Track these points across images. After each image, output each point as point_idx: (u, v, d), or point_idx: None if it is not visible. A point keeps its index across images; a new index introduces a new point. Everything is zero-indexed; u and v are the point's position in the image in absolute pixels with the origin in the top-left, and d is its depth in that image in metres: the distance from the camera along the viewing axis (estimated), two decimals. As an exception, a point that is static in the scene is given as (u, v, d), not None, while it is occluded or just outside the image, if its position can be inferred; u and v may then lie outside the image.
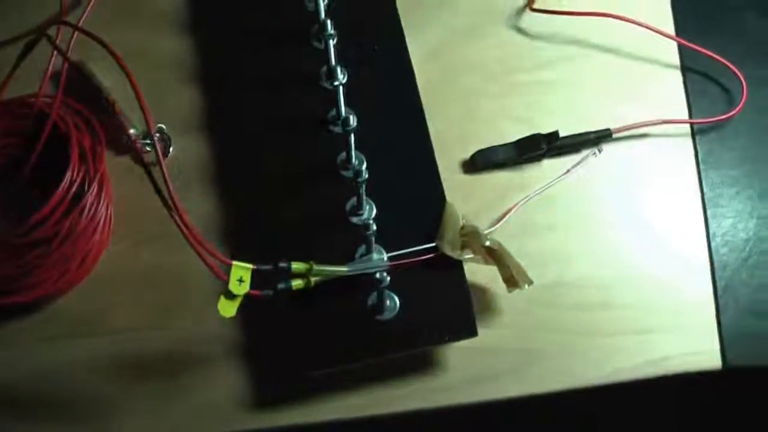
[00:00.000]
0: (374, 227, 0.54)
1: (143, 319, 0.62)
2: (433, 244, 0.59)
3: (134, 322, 0.62)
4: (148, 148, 0.65)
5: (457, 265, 0.60)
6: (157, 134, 0.65)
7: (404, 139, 0.63)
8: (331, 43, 0.59)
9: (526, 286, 0.59)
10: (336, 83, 0.57)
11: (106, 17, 0.69)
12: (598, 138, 0.65)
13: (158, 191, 0.52)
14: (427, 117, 0.64)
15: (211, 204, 0.65)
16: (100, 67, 0.67)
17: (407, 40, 0.66)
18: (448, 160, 0.65)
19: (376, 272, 0.57)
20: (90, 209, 0.61)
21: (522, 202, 0.64)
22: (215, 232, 0.64)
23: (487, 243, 0.59)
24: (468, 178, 0.65)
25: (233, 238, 0.64)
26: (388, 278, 0.54)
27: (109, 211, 0.63)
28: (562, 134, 0.65)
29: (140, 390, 0.60)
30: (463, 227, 0.60)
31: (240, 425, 0.60)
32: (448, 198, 0.61)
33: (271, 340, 0.61)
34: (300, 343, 0.58)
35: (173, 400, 0.61)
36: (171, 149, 0.66)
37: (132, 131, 0.64)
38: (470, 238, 0.60)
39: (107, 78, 0.67)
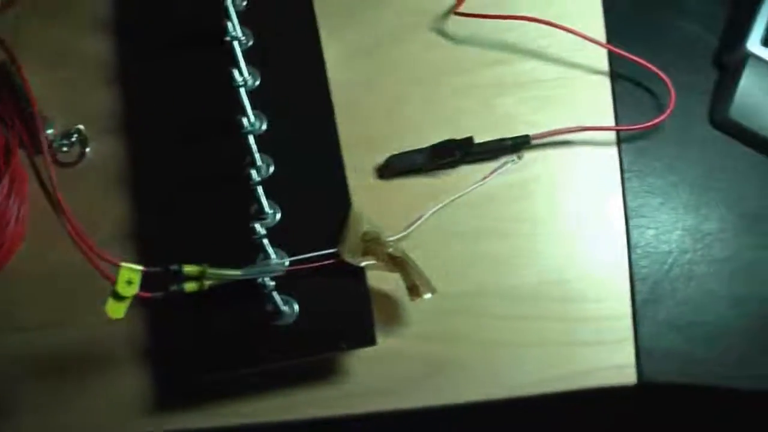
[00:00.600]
0: (263, 231, 0.54)
1: (50, 317, 0.63)
2: (335, 250, 0.58)
3: (42, 320, 0.63)
4: (65, 149, 0.65)
5: (359, 272, 0.59)
6: (75, 135, 0.66)
7: (312, 142, 0.63)
8: (236, 44, 0.59)
9: (428, 296, 0.58)
10: (236, 85, 0.57)
11: (33, 17, 0.71)
12: (516, 144, 0.64)
13: (46, 190, 0.52)
14: (345, 119, 0.64)
15: (125, 206, 0.66)
16: (27, 68, 0.68)
17: (328, 40, 0.65)
18: (363, 163, 0.65)
19: (271, 276, 0.57)
20: (-1, 207, 0.62)
21: (434, 209, 0.63)
22: (127, 235, 0.65)
23: (390, 250, 0.58)
24: (382, 183, 0.65)
25: (141, 241, 0.64)
26: (273, 283, 0.54)
27: (22, 210, 0.63)
28: (481, 140, 0.64)
29: (42, 387, 0.62)
30: (365, 233, 0.59)
31: (137, 427, 0.60)
32: (360, 203, 0.61)
33: (170, 343, 0.61)
34: (195, 347, 0.59)
35: (75, 398, 0.62)
36: (88, 150, 0.66)
37: (49, 132, 0.65)
38: (373, 244, 0.59)
39: (33, 78, 0.67)
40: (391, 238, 0.61)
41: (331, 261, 0.59)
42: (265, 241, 0.56)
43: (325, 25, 0.66)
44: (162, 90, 0.65)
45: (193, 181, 0.62)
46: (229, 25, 0.58)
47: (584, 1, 0.69)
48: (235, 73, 0.57)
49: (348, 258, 0.59)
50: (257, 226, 0.54)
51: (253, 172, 0.58)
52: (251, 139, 0.58)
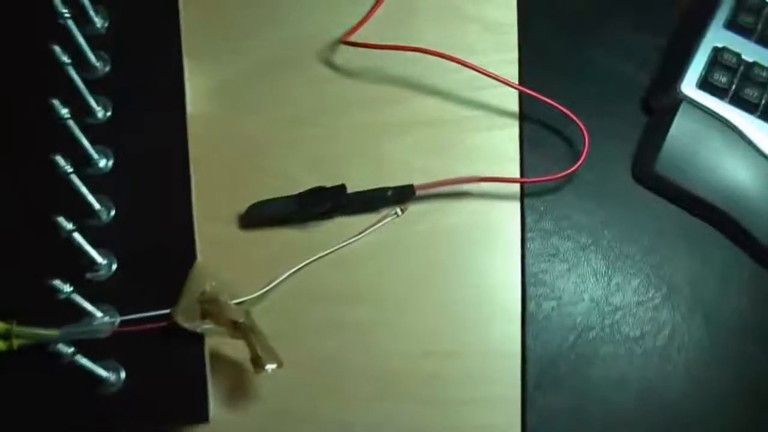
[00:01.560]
0: (66, 289, 0.47)
1: None
2: (168, 311, 0.51)
3: None
4: None
5: (197, 337, 0.52)
6: None
7: (158, 184, 0.56)
8: (71, 70, 0.52)
9: (271, 368, 0.50)
10: (62, 118, 0.50)
11: None
12: (399, 196, 0.57)
13: None
14: (205, 160, 0.58)
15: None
16: None
17: (194, 71, 0.60)
18: (222, 211, 0.58)
19: (92, 338, 0.50)
20: None
21: (295, 267, 0.56)
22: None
23: (231, 314, 0.51)
24: (244, 234, 0.58)
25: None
26: (72, 350, 0.47)
27: None
28: (358, 188, 0.57)
29: None
30: (204, 293, 0.52)
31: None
32: (214, 256, 0.55)
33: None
34: (12, 411, 0.52)
35: None
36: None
37: None
38: (212, 306, 0.52)
39: None
40: (240, 300, 0.54)
41: (164, 323, 0.52)
42: (77, 297, 0.49)
43: (193, 54, 0.60)
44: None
45: (21, 227, 0.56)
46: (57, 49, 0.51)
47: (498, 33, 0.62)
48: (56, 103, 0.51)
49: (182, 321, 0.52)
50: (60, 285, 0.47)
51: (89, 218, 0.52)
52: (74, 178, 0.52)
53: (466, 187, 0.58)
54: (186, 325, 0.52)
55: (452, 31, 0.63)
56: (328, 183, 0.57)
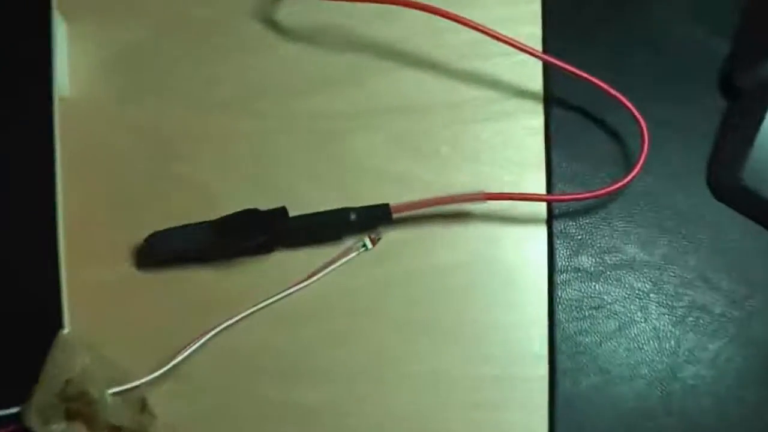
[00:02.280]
0: None
1: None
2: (17, 410, 0.34)
3: None
4: None
5: (59, 446, 0.35)
6: None
7: (20, 221, 0.38)
8: None
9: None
10: None
11: None
12: (369, 220, 0.39)
13: None
14: (78, 169, 0.40)
15: None
16: None
17: (77, 36, 0.41)
18: (105, 248, 0.40)
19: None
20: None
21: (219, 328, 0.38)
22: None
23: (109, 416, 0.34)
24: (137, 280, 0.39)
25: None
26: None
27: None
28: (307, 210, 0.39)
29: None
30: (68, 382, 0.34)
31: None
32: (88, 321, 0.38)
33: None
34: None
35: None
36: None
37: None
38: (82, 404, 0.34)
39: None
40: (127, 387, 0.36)
41: (10, 429, 0.35)
42: None
43: (74, 15, 0.41)
44: None
45: None
46: None
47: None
48: None
49: (35, 425, 0.34)
50: None
51: None
52: None
53: (465, 207, 0.40)
54: (38, 430, 0.35)
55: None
56: (264, 203, 0.39)
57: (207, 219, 0.39)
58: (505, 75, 0.42)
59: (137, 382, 0.37)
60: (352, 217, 0.38)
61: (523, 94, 0.42)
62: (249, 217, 0.38)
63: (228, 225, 0.38)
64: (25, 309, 0.37)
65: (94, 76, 0.42)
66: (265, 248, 0.39)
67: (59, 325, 0.37)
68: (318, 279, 0.39)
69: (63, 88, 0.41)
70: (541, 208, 0.40)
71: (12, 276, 0.38)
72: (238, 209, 0.39)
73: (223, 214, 0.39)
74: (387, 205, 0.39)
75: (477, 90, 0.42)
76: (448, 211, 0.40)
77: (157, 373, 0.37)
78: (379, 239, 0.40)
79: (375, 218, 0.39)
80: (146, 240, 0.39)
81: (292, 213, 0.39)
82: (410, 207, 0.38)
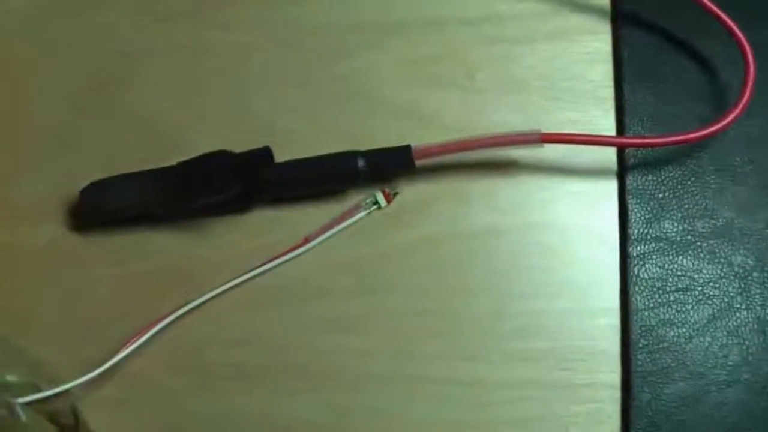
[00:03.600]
0: None
1: None
2: None
3: None
4: None
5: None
6: None
7: None
8: None
9: None
10: None
11: None
12: (383, 167, 0.29)
13: None
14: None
15: None
16: None
17: None
18: (34, 202, 0.30)
19: None
20: None
21: (178, 313, 0.28)
22: None
23: (22, 415, 0.24)
24: (75, 242, 0.29)
25: None
26: None
27: None
28: (300, 154, 0.29)
29: None
30: None
31: None
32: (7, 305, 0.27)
33: None
34: None
35: None
36: None
37: None
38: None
39: None
40: (56, 390, 0.26)
41: None
42: None
43: None
44: None
45: None
46: None
47: None
48: None
49: None
50: None
51: None
52: None
53: (510, 153, 0.30)
54: None
55: None
56: (238, 143, 0.29)
57: (163, 165, 0.29)
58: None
59: (65, 386, 0.26)
60: (361, 163, 0.28)
61: (584, 7, 0.31)
62: (220, 162, 0.28)
63: (191, 172, 0.28)
64: None
65: None
66: (241, 204, 0.29)
67: None
68: (313, 247, 0.29)
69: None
70: (611, 156, 0.30)
71: None
72: (200, 151, 0.29)
73: (185, 158, 0.29)
74: (408, 147, 0.28)
75: (515, 1, 0.31)
76: (488, 159, 0.30)
77: (92, 374, 0.27)
78: (395, 194, 0.29)
79: (391, 166, 0.29)
80: (82, 192, 0.29)
81: (278, 158, 0.29)
82: (439, 151, 0.28)
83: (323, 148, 0.29)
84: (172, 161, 0.29)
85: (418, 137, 0.29)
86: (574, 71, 0.31)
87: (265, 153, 0.28)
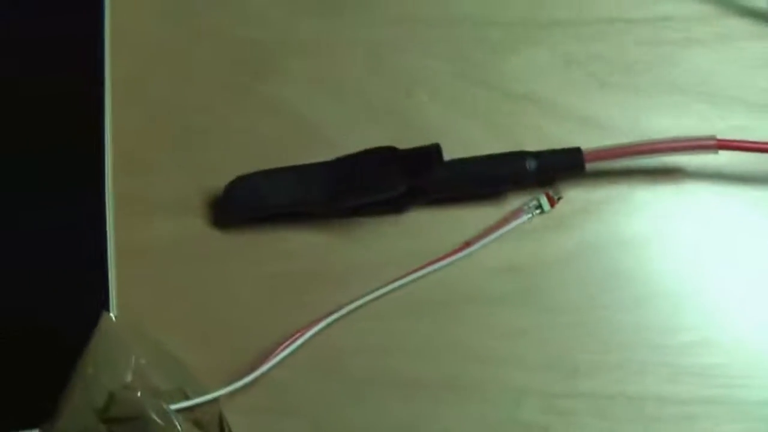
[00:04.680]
0: None
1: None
2: None
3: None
4: None
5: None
6: None
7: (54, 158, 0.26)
8: None
9: None
10: None
11: None
12: (551, 169, 0.27)
13: None
14: (131, 104, 0.28)
15: None
16: None
17: None
18: (175, 197, 0.27)
19: None
20: None
21: (332, 318, 0.26)
22: None
23: (177, 423, 0.22)
24: (218, 239, 0.27)
25: None
26: None
27: None
28: (450, 154, 0.26)
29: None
30: (112, 396, 0.22)
31: None
32: (144, 302, 0.26)
33: None
34: None
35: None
36: None
37: None
38: (132, 429, 0.23)
39: None
40: (204, 398, 0.24)
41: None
42: None
43: None
44: None
45: None
46: None
47: None
48: None
49: None
50: None
51: None
52: None
53: (677, 159, 0.28)
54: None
55: None
56: (387, 140, 0.27)
57: (311, 161, 0.27)
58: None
59: (215, 393, 0.24)
60: (530, 164, 0.26)
61: (748, 11, 0.29)
62: (385, 158, 0.26)
63: (353, 168, 0.26)
64: (55, 280, 0.25)
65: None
66: (400, 204, 0.27)
67: (103, 306, 0.25)
68: (473, 251, 0.27)
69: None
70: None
71: (38, 228, 0.26)
72: (353, 147, 0.27)
73: (333, 152, 0.27)
74: (578, 149, 0.26)
75: (680, 3, 0.29)
76: (653, 164, 0.28)
77: (241, 382, 0.25)
78: (559, 198, 0.27)
79: (560, 168, 0.27)
80: (227, 188, 0.27)
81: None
82: (610, 155, 0.26)
83: (481, 147, 0.27)
84: (321, 157, 0.27)
85: (582, 139, 0.27)
86: (739, 77, 0.29)
87: (434, 151, 0.25)
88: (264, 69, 0.29)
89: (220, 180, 0.27)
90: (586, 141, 0.28)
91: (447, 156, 0.26)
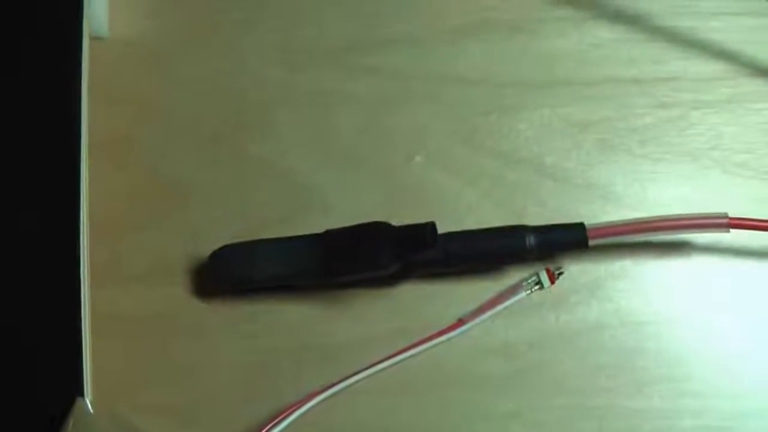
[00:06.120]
0: None
1: None
2: None
3: None
4: None
5: None
6: None
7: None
8: None
9: None
10: None
11: None
12: (550, 246, 0.25)
13: None
14: (113, 163, 0.27)
15: None
16: None
17: None
18: (155, 265, 0.26)
19: None
20: None
21: (323, 394, 0.24)
22: None
23: None
24: (202, 310, 0.26)
25: None
26: None
27: None
28: (448, 223, 0.25)
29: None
30: None
31: None
32: (119, 383, 0.25)
33: None
34: None
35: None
36: None
37: None
38: None
39: None
40: None
41: None
42: None
43: None
44: None
45: None
46: None
47: None
48: None
49: None
50: None
51: None
52: None
53: (695, 238, 0.26)
54: None
55: None
56: (387, 206, 0.26)
57: (303, 230, 0.25)
58: (733, 42, 0.28)
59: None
60: (530, 241, 0.25)
61: (759, 70, 0.28)
62: (379, 235, 0.24)
63: (345, 243, 0.24)
64: (23, 361, 0.24)
65: (144, 8, 0.28)
66: (391, 279, 0.26)
67: (76, 390, 0.23)
68: (468, 329, 0.25)
69: (99, 26, 0.27)
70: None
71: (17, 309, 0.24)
72: (347, 211, 0.26)
73: (326, 215, 0.26)
74: (581, 225, 0.25)
75: (695, 63, 0.28)
76: (661, 238, 0.27)
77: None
78: (560, 273, 0.26)
79: (562, 244, 0.25)
80: (212, 257, 0.25)
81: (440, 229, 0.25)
82: (615, 232, 0.25)
83: (480, 215, 0.26)
84: (313, 222, 0.26)
85: (585, 208, 0.27)
86: (753, 141, 0.27)
87: (429, 230, 0.24)
88: (254, 126, 0.27)
89: (204, 246, 0.26)
90: (591, 210, 0.27)
91: (443, 224, 0.25)
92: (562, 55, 0.28)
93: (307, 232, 0.26)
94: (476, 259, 0.25)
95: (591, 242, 0.25)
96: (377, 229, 0.24)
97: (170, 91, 0.28)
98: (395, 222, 0.25)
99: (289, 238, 0.25)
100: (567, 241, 0.25)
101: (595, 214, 0.27)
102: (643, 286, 0.26)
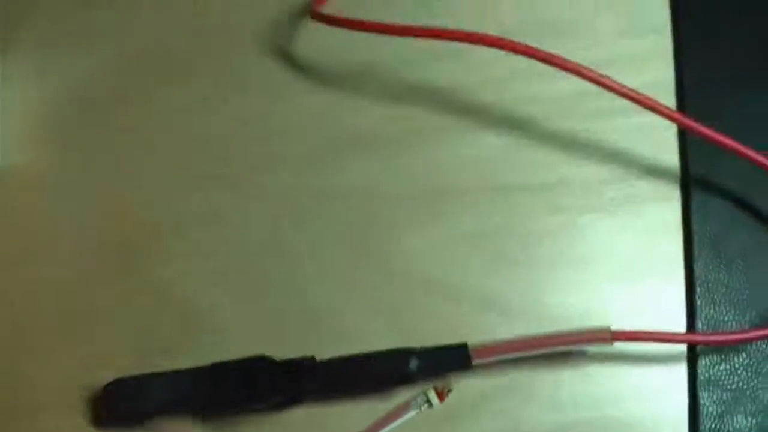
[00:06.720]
0: None
1: None
2: None
3: None
4: None
5: None
6: None
7: None
8: None
9: None
10: None
11: None
12: (437, 366, 0.25)
13: None
14: (9, 290, 0.27)
15: None
16: None
17: (13, 76, 0.28)
18: (51, 394, 0.26)
19: None
20: None
21: None
22: None
23: None
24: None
25: None
26: None
27: None
28: (344, 350, 0.25)
29: None
30: None
31: None
32: None
33: None
34: None
35: None
36: None
37: None
38: None
39: None
40: None
41: None
42: None
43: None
44: None
45: None
46: None
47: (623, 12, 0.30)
48: None
49: None
50: None
51: None
52: None
53: (578, 351, 0.26)
54: None
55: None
56: (281, 326, 0.27)
57: (196, 350, 0.26)
58: (624, 143, 0.28)
59: None
60: (413, 364, 0.25)
61: (652, 171, 0.28)
62: (259, 369, 0.25)
63: (228, 376, 0.25)
64: None
65: (36, 134, 0.29)
66: (280, 406, 0.26)
67: None
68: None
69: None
70: (681, 351, 0.27)
71: None
72: (240, 334, 0.26)
73: (221, 340, 0.26)
74: (465, 346, 0.25)
75: (582, 165, 0.28)
76: (553, 355, 0.26)
77: None
78: (449, 392, 0.26)
79: (446, 365, 0.26)
80: (104, 391, 0.26)
81: (320, 343, 0.26)
82: (499, 350, 0.25)
83: (368, 334, 0.26)
84: (207, 348, 0.26)
85: (473, 321, 0.27)
86: (641, 243, 0.28)
87: (308, 363, 0.25)
88: (141, 249, 0.28)
89: (97, 374, 0.26)
90: (484, 324, 0.27)
91: (331, 344, 0.26)
92: (447, 165, 0.28)
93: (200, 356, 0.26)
94: (360, 386, 0.26)
95: (475, 361, 0.26)
96: (258, 363, 0.25)
97: (60, 217, 0.28)
98: (286, 345, 0.26)
99: (176, 372, 0.26)
100: (451, 362, 0.26)
101: (489, 327, 0.27)
102: (534, 399, 0.26)
